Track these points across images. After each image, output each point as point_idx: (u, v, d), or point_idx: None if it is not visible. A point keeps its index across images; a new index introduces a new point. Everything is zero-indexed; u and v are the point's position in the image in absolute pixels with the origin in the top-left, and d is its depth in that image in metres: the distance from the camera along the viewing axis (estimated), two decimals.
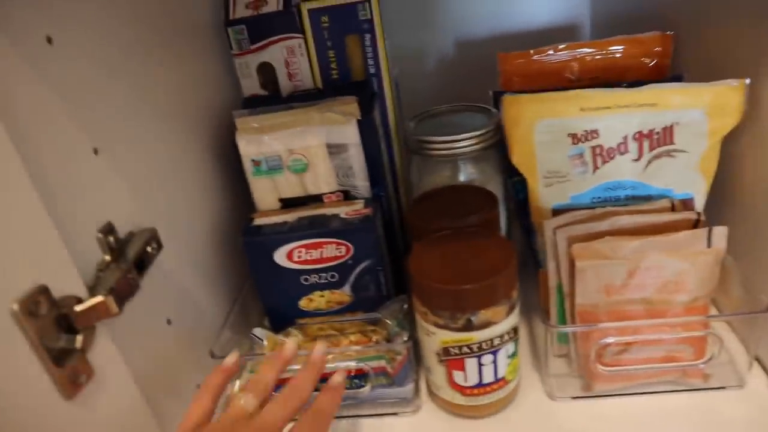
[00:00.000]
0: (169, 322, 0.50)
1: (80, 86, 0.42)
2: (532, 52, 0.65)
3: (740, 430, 0.48)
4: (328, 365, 0.52)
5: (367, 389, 0.52)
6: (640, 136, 0.52)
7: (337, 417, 0.54)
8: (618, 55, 0.65)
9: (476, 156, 0.60)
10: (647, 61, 0.64)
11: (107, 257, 0.42)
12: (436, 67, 0.89)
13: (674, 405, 0.51)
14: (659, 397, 0.52)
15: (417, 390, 0.54)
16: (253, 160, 0.57)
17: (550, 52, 0.66)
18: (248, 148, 0.56)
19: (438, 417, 0.53)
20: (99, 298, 0.38)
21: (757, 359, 0.54)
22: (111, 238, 0.43)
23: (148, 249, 0.46)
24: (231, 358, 0.45)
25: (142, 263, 0.45)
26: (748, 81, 0.49)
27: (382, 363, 0.52)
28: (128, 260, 0.43)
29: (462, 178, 0.61)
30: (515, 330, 0.49)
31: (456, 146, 0.58)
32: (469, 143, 0.58)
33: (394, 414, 0.54)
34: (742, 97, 0.50)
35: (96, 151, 0.43)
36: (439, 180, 0.61)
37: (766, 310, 0.48)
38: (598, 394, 0.52)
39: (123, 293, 0.41)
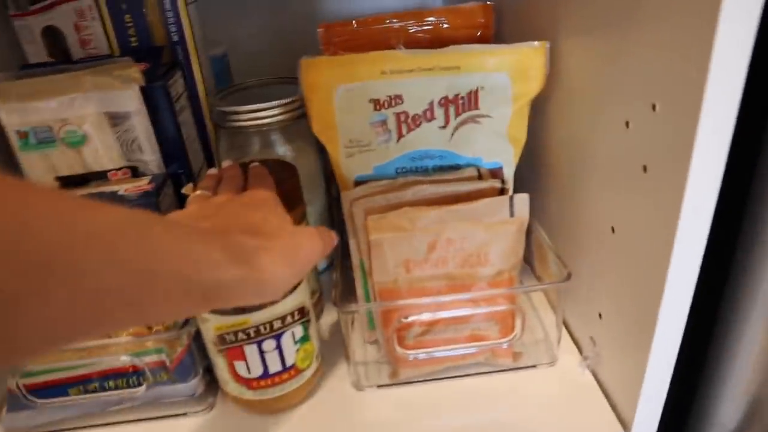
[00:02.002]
0: None
1: None
2: (354, 21, 0.61)
3: (553, 407, 0.45)
4: (99, 360, 0.45)
5: (143, 388, 0.45)
6: (446, 102, 0.49)
7: (116, 423, 0.47)
8: (444, 26, 0.62)
9: (286, 129, 0.55)
10: (472, 32, 0.61)
11: None
12: (278, 47, 0.84)
13: (485, 387, 0.48)
14: (469, 381, 0.48)
15: (209, 385, 0.48)
16: (18, 132, 0.49)
17: (374, 21, 0.62)
18: (11, 117, 0.49)
19: (233, 415, 0.47)
20: None
21: (569, 331, 0.52)
22: None
23: None
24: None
25: None
26: (548, 44, 0.47)
27: (162, 357, 0.45)
28: None
29: (276, 153, 0.56)
30: (301, 311, 0.44)
31: (261, 116, 0.53)
32: (275, 113, 0.53)
33: (184, 414, 0.48)
34: (543, 60, 0.47)
35: None
36: (250, 156, 0.55)
37: (565, 280, 0.45)
38: (405, 381, 0.48)
39: None
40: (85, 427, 0.47)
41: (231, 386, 0.45)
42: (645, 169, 0.37)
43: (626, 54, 0.37)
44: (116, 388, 0.46)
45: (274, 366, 0.44)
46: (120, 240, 0.24)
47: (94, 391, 0.46)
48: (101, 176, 0.51)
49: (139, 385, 0.46)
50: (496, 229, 0.46)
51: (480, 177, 0.49)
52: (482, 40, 0.61)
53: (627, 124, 0.38)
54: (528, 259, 0.55)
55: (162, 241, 0.26)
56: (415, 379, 0.48)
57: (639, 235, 0.39)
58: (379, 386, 0.48)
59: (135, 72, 0.49)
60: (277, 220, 0.37)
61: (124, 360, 0.45)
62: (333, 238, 0.39)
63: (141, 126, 0.50)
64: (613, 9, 0.38)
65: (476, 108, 0.49)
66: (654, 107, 0.34)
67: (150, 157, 0.51)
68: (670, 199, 0.34)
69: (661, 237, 0.36)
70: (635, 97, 0.36)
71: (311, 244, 0.36)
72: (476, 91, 0.48)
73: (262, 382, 0.44)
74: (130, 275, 0.24)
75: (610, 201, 0.42)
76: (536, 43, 0.47)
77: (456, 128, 0.49)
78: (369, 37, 0.62)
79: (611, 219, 0.42)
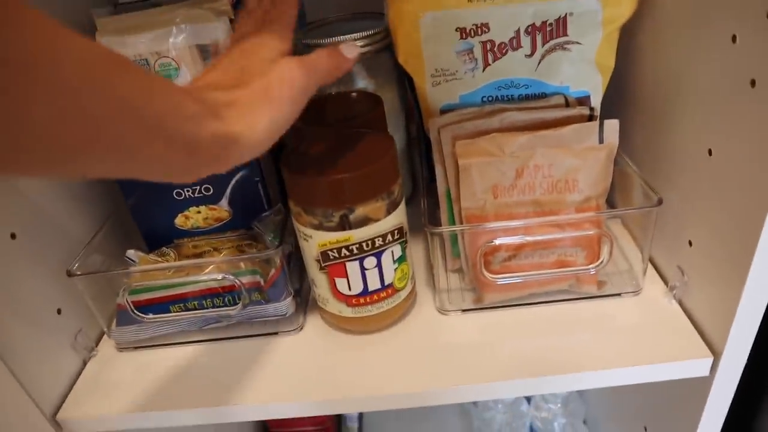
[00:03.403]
0: (13, 236, 0.45)
1: None
2: None
3: (636, 337, 0.46)
4: (197, 279, 0.48)
5: (239, 307, 0.48)
6: (533, 29, 0.48)
7: (212, 340, 0.50)
8: None
9: (368, 62, 0.55)
10: None
11: None
12: None
13: (568, 314, 0.48)
14: (553, 307, 0.49)
15: (298, 306, 0.50)
16: None
17: None
18: None
19: (323, 334, 0.50)
20: None
21: (652, 262, 0.51)
22: None
23: None
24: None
25: None
26: None
27: (256, 278, 0.48)
28: None
29: (358, 87, 0.57)
30: (400, 231, 0.45)
31: None
32: (358, 45, 0.53)
33: (275, 334, 0.50)
34: None
35: None
36: (331, 89, 0.56)
37: (656, 205, 0.45)
38: (489, 306, 0.49)
39: None
40: (184, 343, 0.51)
41: (330, 304, 0.47)
42: (753, 83, 0.35)
43: None
44: (213, 306, 0.49)
45: (374, 284, 0.46)
46: (100, 63, 0.23)
47: (194, 309, 0.49)
48: None
49: (235, 304, 0.48)
50: (585, 155, 0.45)
51: (567, 105, 0.49)
52: None
53: (734, 38, 0.37)
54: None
55: (147, 82, 0.26)
56: (499, 304, 0.49)
57: (741, 156, 0.38)
58: (464, 311, 0.49)
59: (225, 4, 0.51)
60: (258, 63, 0.35)
61: (221, 279, 0.47)
62: (330, 56, 0.37)
63: None
64: None
65: (564, 35, 0.48)
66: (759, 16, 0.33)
67: None
68: None
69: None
70: (746, 7, 0.35)
71: (288, 76, 0.34)
72: (565, 17, 0.47)
73: (362, 299, 0.46)
74: (110, 104, 0.23)
75: (708, 122, 0.41)
76: None
77: (543, 56, 0.49)
78: None
79: (709, 141, 0.41)
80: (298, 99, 0.35)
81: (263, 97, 0.33)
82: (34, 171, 0.25)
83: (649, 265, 0.52)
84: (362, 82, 0.56)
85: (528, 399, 0.84)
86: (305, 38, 0.55)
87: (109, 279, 0.50)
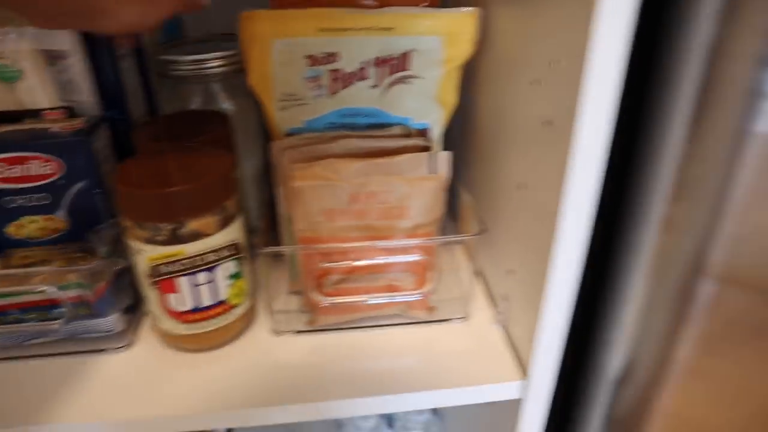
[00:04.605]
0: None
1: None
2: None
3: (456, 361, 0.47)
4: (15, 291, 0.46)
5: (61, 322, 0.46)
6: (379, 62, 0.50)
7: (33, 356, 0.48)
8: None
9: (228, 83, 0.56)
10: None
11: None
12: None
13: (397, 337, 0.50)
14: (383, 330, 0.50)
15: (130, 323, 0.49)
16: None
17: None
18: None
19: (153, 352, 0.49)
20: None
21: (488, 289, 0.54)
22: None
23: None
24: None
25: None
26: (478, 11, 0.49)
27: (83, 291, 0.46)
28: None
29: (218, 108, 0.57)
30: (235, 247, 0.45)
31: (201, 66, 0.54)
32: (216, 64, 0.54)
33: (102, 351, 0.49)
34: (474, 26, 0.49)
35: None
36: (189, 106, 0.56)
37: (477, 234, 0.47)
38: (323, 328, 0.50)
39: None
40: (1, 359, 0.48)
41: (163, 321, 0.46)
42: (550, 123, 0.39)
43: (540, 18, 0.40)
44: (37, 320, 0.47)
45: (206, 299, 0.46)
46: None
47: (14, 322, 0.47)
48: (35, 114, 0.52)
49: (58, 318, 0.46)
50: (416, 183, 0.47)
51: (409, 135, 0.51)
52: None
53: (535, 82, 0.40)
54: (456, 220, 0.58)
55: None
56: (333, 327, 0.50)
57: (544, 190, 0.41)
58: (298, 332, 0.50)
59: None
60: None
61: (43, 291, 0.45)
62: None
63: (77, 66, 0.51)
64: None
65: (407, 69, 0.50)
66: (552, 64, 0.36)
67: (86, 98, 0.52)
68: (567, 152, 0.36)
69: (559, 189, 0.38)
70: (539, 55, 0.39)
71: None
72: (408, 53, 0.50)
73: (196, 315, 0.46)
74: None
75: (519, 158, 0.44)
76: (468, 9, 0.49)
77: (387, 88, 0.51)
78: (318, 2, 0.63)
79: (520, 176, 0.44)
80: (172, 10, 0.37)
81: None
82: None
83: (486, 293, 0.54)
84: (223, 104, 0.57)
85: (390, 424, 0.84)
86: (161, 53, 0.55)
87: None
